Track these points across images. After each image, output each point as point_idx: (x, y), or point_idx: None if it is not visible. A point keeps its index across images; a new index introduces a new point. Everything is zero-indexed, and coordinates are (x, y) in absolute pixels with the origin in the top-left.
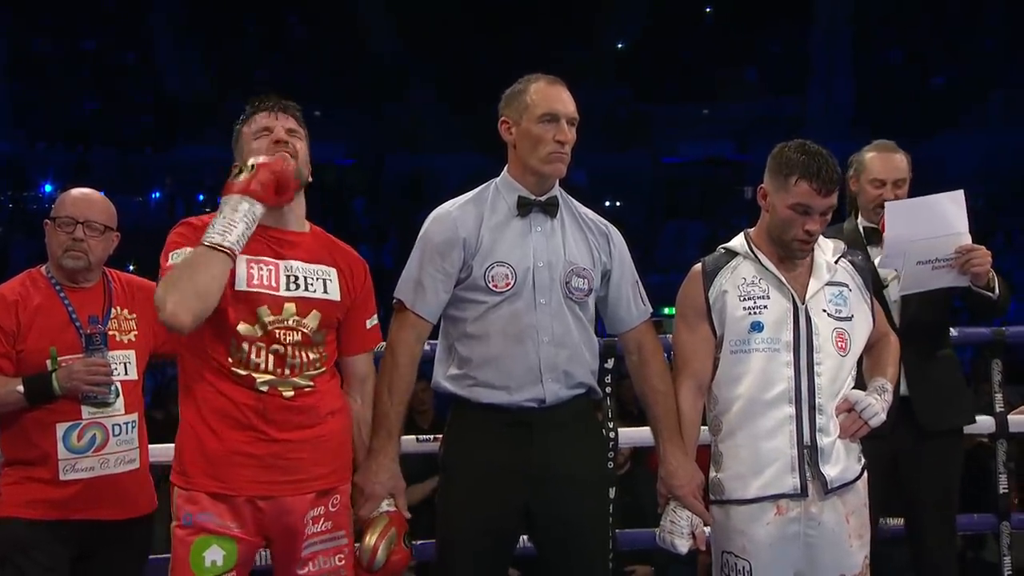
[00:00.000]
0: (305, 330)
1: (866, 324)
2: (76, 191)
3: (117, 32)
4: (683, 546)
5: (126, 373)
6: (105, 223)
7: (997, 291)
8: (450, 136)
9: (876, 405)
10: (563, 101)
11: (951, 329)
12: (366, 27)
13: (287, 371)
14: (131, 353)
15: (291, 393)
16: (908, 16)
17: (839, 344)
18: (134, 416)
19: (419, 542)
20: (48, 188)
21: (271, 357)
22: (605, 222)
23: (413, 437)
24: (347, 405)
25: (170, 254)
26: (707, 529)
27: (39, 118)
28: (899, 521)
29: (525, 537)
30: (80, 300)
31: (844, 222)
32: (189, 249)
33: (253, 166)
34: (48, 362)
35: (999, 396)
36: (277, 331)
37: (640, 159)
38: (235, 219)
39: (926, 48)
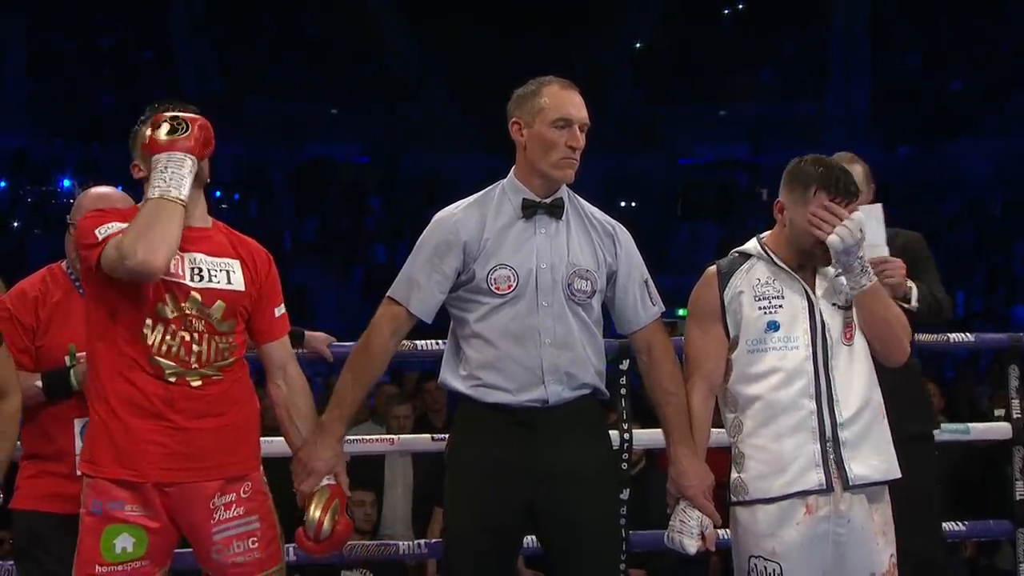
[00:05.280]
0: (210, 320)
1: None
2: (94, 192)
3: (135, 30)
4: (692, 546)
5: None
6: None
7: (915, 302)
8: (464, 136)
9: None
10: (576, 106)
11: (964, 335)
12: (380, 26)
13: (193, 361)
14: None
15: (199, 382)
16: (926, 19)
17: (846, 334)
18: None
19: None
20: (66, 183)
21: (179, 346)
22: (612, 222)
23: (428, 436)
24: (255, 396)
25: (96, 230)
26: (720, 532)
27: (57, 114)
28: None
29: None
30: None
31: None
32: (116, 224)
33: (188, 125)
34: (67, 358)
35: (1016, 402)
36: (183, 319)
37: (654, 161)
38: (183, 174)
39: (944, 52)
